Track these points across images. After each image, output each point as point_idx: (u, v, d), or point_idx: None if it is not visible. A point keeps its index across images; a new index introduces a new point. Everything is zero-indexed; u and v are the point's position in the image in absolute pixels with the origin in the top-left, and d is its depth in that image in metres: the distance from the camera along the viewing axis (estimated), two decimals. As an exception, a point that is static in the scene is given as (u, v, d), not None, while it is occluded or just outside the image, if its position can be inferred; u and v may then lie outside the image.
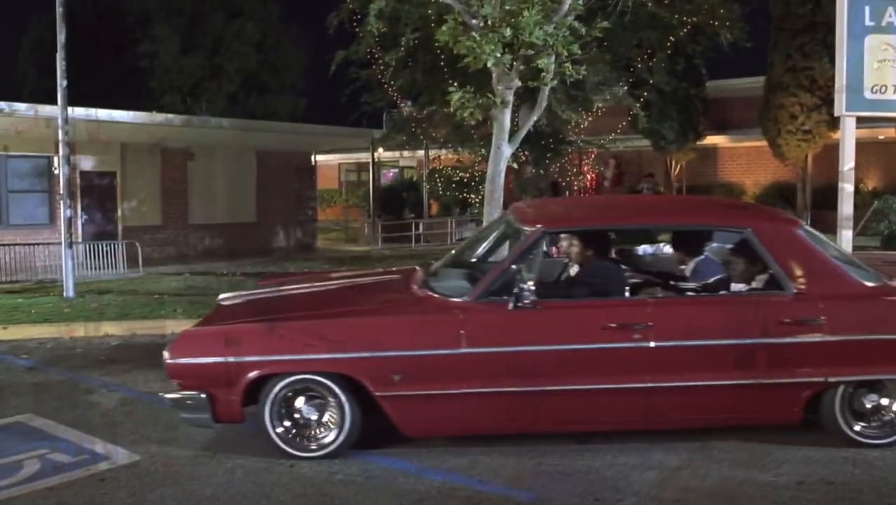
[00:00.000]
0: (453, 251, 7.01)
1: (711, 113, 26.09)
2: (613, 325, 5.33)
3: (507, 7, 9.98)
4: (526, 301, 5.33)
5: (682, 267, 6.67)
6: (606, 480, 5.10)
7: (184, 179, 21.22)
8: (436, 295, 5.73)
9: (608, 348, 5.33)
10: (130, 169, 20.00)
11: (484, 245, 6.78)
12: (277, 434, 5.50)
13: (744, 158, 27.75)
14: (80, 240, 17.67)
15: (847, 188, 10.80)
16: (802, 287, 5.45)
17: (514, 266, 5.51)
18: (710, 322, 5.43)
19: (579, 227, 6.26)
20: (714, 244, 6.71)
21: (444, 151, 24.71)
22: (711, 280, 6.19)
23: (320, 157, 29.70)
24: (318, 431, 5.55)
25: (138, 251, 16.30)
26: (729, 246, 6.44)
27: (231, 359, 5.43)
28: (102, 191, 19.49)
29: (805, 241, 5.66)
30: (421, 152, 27.26)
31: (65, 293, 13.02)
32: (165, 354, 5.54)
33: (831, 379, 5.37)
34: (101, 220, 19.45)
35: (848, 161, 10.74)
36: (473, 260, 6.61)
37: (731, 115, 27.26)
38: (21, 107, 16.19)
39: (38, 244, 16.24)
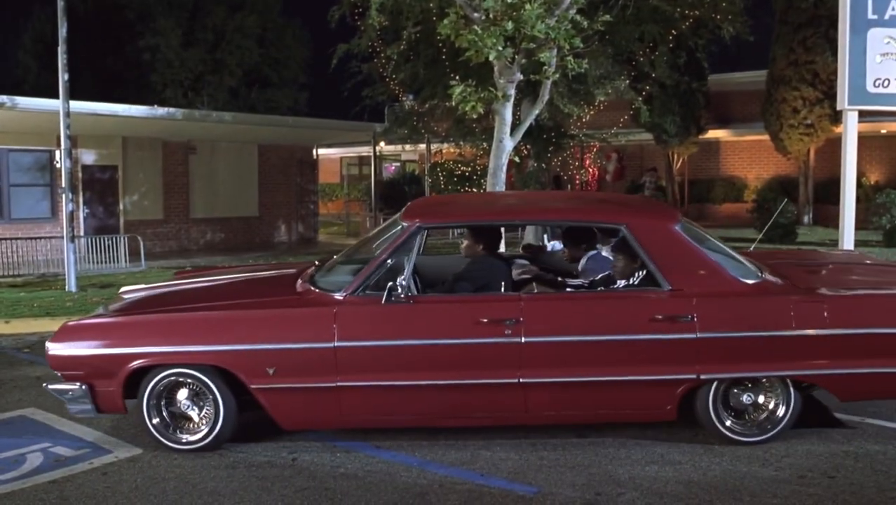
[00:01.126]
0: (353, 246, 6.92)
1: (713, 107, 26.06)
2: (485, 320, 5.32)
3: (509, 0, 9.97)
4: (401, 295, 5.34)
5: (575, 263, 6.65)
6: (608, 473, 5.11)
7: (185, 173, 21.23)
8: (316, 290, 5.75)
9: (479, 343, 5.32)
10: (132, 163, 20.02)
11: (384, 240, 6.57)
12: (153, 425, 5.58)
13: (746, 152, 27.72)
14: (82, 234, 17.71)
15: (849, 182, 10.79)
16: (677, 284, 5.40)
17: (389, 260, 5.53)
18: (582, 318, 5.41)
19: (455, 222, 6.25)
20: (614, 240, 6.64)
21: (445, 145, 24.68)
22: (598, 277, 6.17)
23: (322, 151, 29.69)
24: (193, 424, 5.63)
25: (140, 245, 16.30)
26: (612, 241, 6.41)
27: (109, 351, 5.52)
28: (104, 185, 19.51)
29: (681, 238, 5.58)
30: (423, 146, 27.23)
31: (67, 287, 13.04)
32: (48, 346, 5.62)
33: (703, 376, 5.34)
34: (102, 214, 19.48)
35: (850, 155, 10.73)
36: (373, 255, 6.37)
37: (733, 109, 27.22)
38: (23, 101, 16.21)
39: (41, 238, 16.25)
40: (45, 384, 5.79)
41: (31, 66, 36.21)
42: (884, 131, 23.46)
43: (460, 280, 5.95)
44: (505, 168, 11.70)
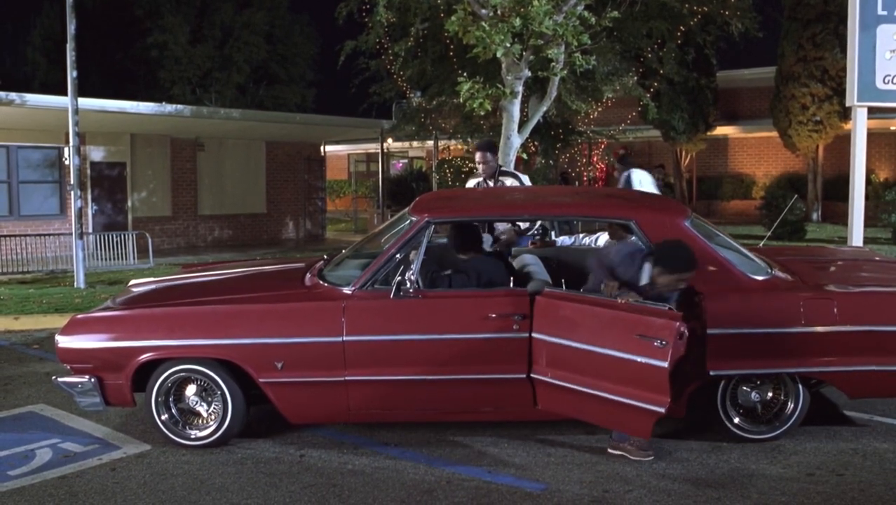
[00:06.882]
0: (361, 240, 6.92)
1: (722, 103, 25.98)
2: (493, 315, 5.32)
3: (517, -3, 9.95)
4: (409, 290, 5.36)
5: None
6: (615, 470, 5.10)
7: (193, 170, 21.28)
8: (325, 284, 5.75)
9: (486, 338, 5.32)
10: (140, 160, 20.07)
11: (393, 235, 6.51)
12: (162, 421, 5.61)
13: (754, 149, 27.63)
14: (90, 231, 17.76)
15: (858, 179, 10.74)
16: None
17: (398, 255, 5.53)
18: (588, 314, 5.32)
19: (464, 216, 6.21)
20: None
21: (453, 142, 24.66)
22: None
23: (330, 148, 29.71)
24: (202, 420, 5.65)
25: (148, 242, 16.33)
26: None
27: (118, 344, 5.54)
28: (112, 181, 19.57)
29: (690, 234, 5.54)
30: (430, 143, 27.24)
31: (76, 284, 13.07)
32: (57, 338, 5.65)
33: (712, 373, 5.30)
34: (111, 210, 19.54)
35: (859, 152, 10.69)
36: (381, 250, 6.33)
37: (741, 105, 27.14)
38: (31, 98, 16.26)
39: (49, 235, 16.31)
40: (54, 377, 5.82)
41: (40, 62, 36.35)
42: (893, 128, 23.36)
43: (464, 275, 5.90)
44: (513, 165, 11.67)
